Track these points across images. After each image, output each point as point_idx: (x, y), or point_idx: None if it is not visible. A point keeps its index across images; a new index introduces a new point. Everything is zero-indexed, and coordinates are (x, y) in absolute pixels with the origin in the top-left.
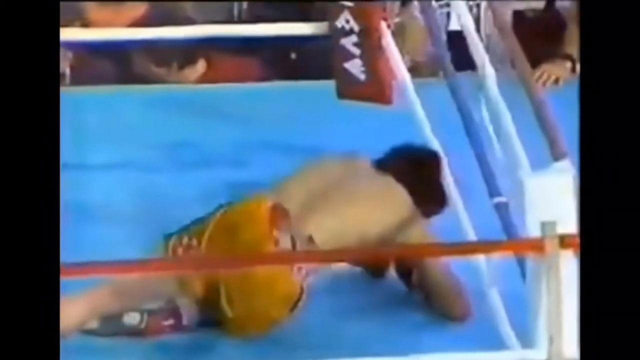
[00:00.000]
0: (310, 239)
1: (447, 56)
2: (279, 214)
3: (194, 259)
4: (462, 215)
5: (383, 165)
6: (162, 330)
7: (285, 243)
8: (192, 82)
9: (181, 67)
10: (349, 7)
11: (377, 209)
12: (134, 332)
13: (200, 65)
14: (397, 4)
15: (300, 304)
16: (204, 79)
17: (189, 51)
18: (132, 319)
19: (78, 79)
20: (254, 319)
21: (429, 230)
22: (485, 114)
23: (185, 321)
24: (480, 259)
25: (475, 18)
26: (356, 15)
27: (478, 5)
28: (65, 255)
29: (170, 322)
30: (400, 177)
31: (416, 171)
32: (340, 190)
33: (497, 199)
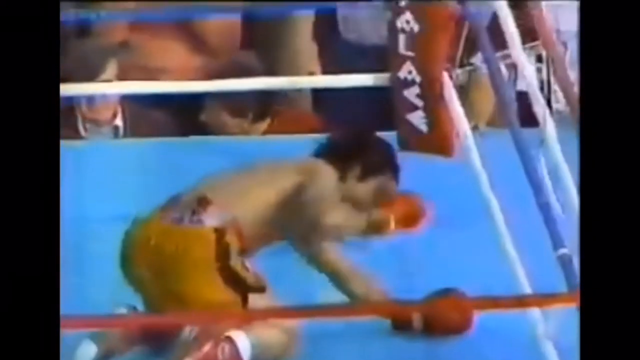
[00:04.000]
0: (235, 221)
1: (513, 108)
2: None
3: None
4: (519, 267)
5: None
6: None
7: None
8: (259, 134)
9: (255, 120)
10: (411, 58)
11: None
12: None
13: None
14: (459, 54)
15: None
16: (268, 130)
17: (263, 103)
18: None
19: (136, 131)
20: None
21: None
22: (544, 169)
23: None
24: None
25: (537, 68)
26: (418, 66)
27: (540, 57)
28: None
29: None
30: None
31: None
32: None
33: (561, 251)
